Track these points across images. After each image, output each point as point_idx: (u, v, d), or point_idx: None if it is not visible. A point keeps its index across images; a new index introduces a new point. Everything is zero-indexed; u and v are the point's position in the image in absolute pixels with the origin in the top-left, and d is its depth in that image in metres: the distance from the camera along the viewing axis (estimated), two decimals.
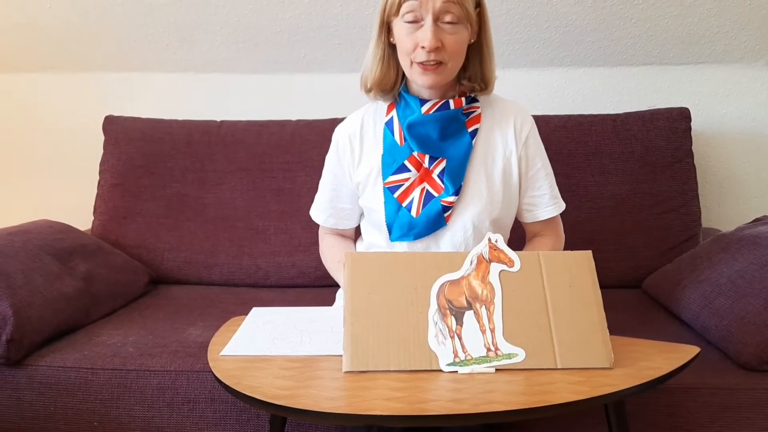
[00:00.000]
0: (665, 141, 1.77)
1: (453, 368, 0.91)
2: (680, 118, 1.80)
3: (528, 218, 1.28)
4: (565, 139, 1.78)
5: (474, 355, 0.92)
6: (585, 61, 2.01)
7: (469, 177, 1.19)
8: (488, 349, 0.93)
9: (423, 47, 1.09)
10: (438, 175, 1.18)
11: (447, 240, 1.20)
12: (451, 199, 1.17)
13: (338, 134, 1.31)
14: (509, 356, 0.92)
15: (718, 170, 2.01)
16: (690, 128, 1.80)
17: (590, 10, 1.86)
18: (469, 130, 1.19)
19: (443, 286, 0.96)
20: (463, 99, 1.19)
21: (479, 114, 1.21)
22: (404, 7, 1.10)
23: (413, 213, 1.18)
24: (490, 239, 0.99)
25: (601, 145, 1.78)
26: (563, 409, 0.82)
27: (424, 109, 1.17)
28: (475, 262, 0.98)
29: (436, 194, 1.18)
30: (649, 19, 1.87)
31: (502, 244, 0.99)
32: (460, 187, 1.18)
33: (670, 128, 1.78)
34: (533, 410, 0.81)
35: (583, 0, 1.83)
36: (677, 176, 1.77)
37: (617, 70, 2.02)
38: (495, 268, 0.98)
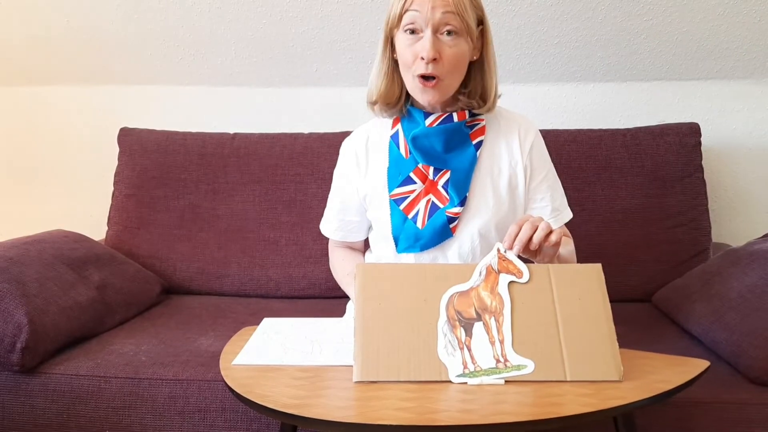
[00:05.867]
0: (675, 156, 1.78)
1: (462, 379, 0.92)
2: (690, 133, 1.80)
3: None
4: (575, 154, 1.79)
5: (483, 366, 0.93)
6: (595, 76, 2.03)
7: (474, 188, 1.20)
8: (497, 361, 0.93)
9: (422, 58, 1.10)
10: (443, 186, 1.19)
11: (454, 250, 1.21)
12: (457, 210, 1.17)
13: (345, 148, 1.32)
14: (518, 368, 0.93)
15: (728, 185, 2.01)
16: (700, 143, 1.80)
17: (600, 26, 1.87)
18: (474, 142, 1.20)
19: (452, 298, 0.97)
20: (467, 112, 1.20)
21: (483, 126, 1.22)
22: (405, 18, 1.12)
23: (419, 224, 1.19)
24: (499, 250, 1.00)
25: (610, 159, 1.79)
26: (572, 421, 0.82)
27: (428, 121, 1.19)
28: (484, 273, 0.99)
29: (441, 205, 1.19)
30: (658, 35, 1.88)
31: (512, 255, 1.00)
32: (465, 197, 1.18)
33: (680, 143, 1.79)
34: (542, 422, 0.82)
35: (592, 16, 1.85)
36: (687, 191, 1.77)
37: (627, 85, 2.03)
38: (504, 279, 0.99)
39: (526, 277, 0.99)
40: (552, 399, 0.87)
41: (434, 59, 1.10)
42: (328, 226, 1.37)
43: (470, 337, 0.95)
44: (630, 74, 2.01)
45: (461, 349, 0.94)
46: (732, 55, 1.92)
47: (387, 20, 1.17)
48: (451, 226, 1.18)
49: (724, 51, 1.91)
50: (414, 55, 1.12)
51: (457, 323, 0.96)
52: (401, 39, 1.14)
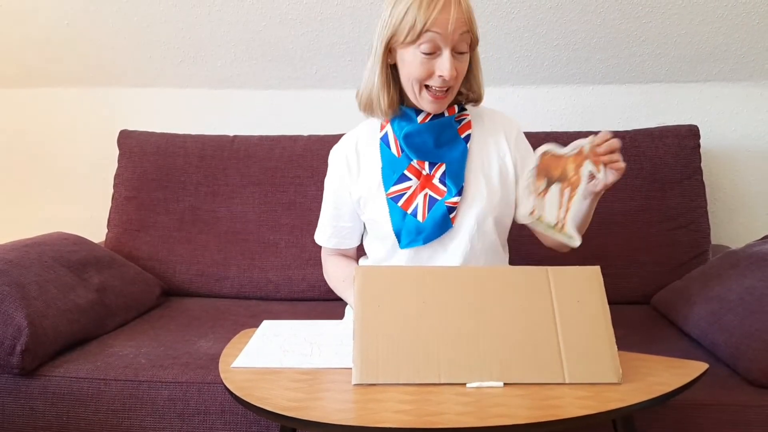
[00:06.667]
0: (674, 158, 1.78)
1: (528, 220, 1.01)
2: (689, 135, 1.80)
3: None
4: None
5: (546, 219, 1.06)
6: (594, 79, 2.03)
7: (468, 178, 1.22)
8: (558, 222, 1.03)
9: (440, 76, 1.12)
10: (440, 179, 1.21)
11: (453, 242, 1.22)
12: (455, 199, 1.19)
13: (334, 155, 1.34)
14: (570, 237, 1.07)
15: (728, 187, 2.01)
16: (699, 145, 1.80)
17: (599, 29, 1.87)
18: (462, 135, 1.24)
19: (546, 153, 1.05)
20: (456, 107, 1.24)
21: (469, 121, 1.26)
22: (424, 37, 1.10)
23: (419, 218, 1.20)
24: (595, 142, 1.07)
25: None
26: (571, 423, 0.83)
27: (420, 118, 1.21)
28: (577, 149, 1.06)
29: (439, 197, 1.20)
30: (657, 38, 1.89)
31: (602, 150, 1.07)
32: (462, 187, 1.21)
33: (679, 145, 1.79)
34: (541, 424, 0.82)
35: (591, 18, 1.85)
36: (686, 193, 1.77)
37: (626, 88, 2.03)
38: (587, 166, 1.06)
39: (600, 179, 1.07)
40: (551, 401, 0.87)
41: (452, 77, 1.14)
42: (322, 235, 1.38)
43: (546, 192, 1.05)
44: (629, 76, 2.01)
45: (536, 195, 1.06)
46: (731, 57, 1.92)
47: (393, 32, 1.14)
48: (450, 216, 1.20)
49: (723, 53, 1.91)
50: (429, 72, 1.13)
51: (542, 174, 1.07)
52: (413, 54, 1.13)
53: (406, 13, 1.11)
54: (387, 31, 1.14)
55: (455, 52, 1.12)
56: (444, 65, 1.11)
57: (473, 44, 1.16)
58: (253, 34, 1.97)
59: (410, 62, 1.14)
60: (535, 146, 1.74)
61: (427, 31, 1.09)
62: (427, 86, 1.15)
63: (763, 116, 1.99)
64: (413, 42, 1.12)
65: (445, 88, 1.15)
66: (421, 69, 1.13)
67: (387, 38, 1.15)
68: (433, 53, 1.12)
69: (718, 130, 2.00)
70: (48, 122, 2.23)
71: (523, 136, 1.31)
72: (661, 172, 1.77)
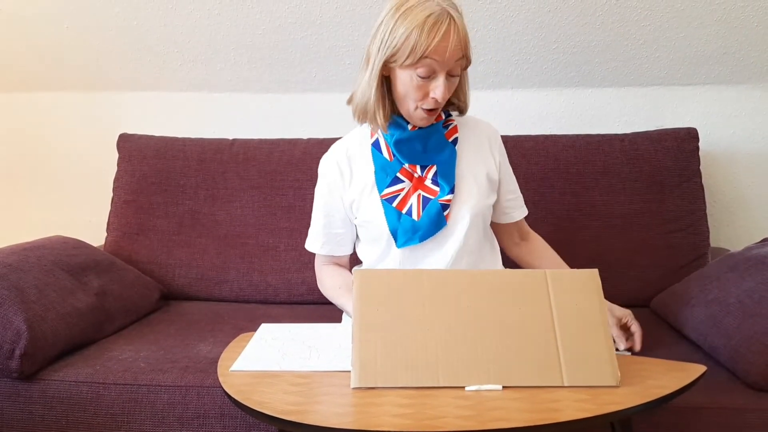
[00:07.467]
0: (673, 161, 1.78)
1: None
2: (688, 138, 1.80)
3: (505, 220, 1.39)
4: (573, 159, 1.79)
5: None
6: (593, 82, 2.03)
7: (458, 178, 1.26)
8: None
9: (433, 98, 1.15)
10: (432, 180, 1.25)
11: (448, 239, 1.25)
12: (449, 197, 1.23)
13: (325, 163, 1.34)
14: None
15: (727, 190, 2.01)
16: (698, 148, 1.80)
17: (598, 32, 1.88)
18: (450, 139, 1.28)
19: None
20: (443, 113, 1.28)
21: (455, 126, 1.30)
22: (423, 63, 1.12)
23: (414, 216, 1.23)
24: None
25: (609, 164, 1.79)
26: (569, 426, 0.83)
27: (410, 125, 1.24)
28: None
29: (432, 197, 1.24)
30: (656, 41, 1.89)
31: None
32: (454, 186, 1.24)
33: (678, 148, 1.79)
34: (540, 428, 0.82)
35: (591, 22, 1.85)
36: (685, 196, 1.77)
37: (625, 91, 2.04)
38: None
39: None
40: (549, 405, 0.87)
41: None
42: (314, 243, 1.39)
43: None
44: (628, 79, 2.01)
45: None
46: (729, 60, 1.92)
47: (393, 53, 1.14)
48: (444, 213, 1.23)
49: (721, 56, 1.91)
50: (423, 94, 1.16)
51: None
52: (409, 76, 1.15)
53: (407, 37, 1.11)
54: (387, 51, 1.15)
55: (449, 75, 1.16)
56: (438, 89, 1.15)
57: (466, 66, 1.19)
58: (253, 37, 1.97)
59: (406, 83, 1.16)
60: (532, 148, 1.78)
61: (426, 57, 1.11)
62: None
63: (761, 119, 2.00)
64: (411, 65, 1.13)
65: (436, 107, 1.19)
66: (417, 91, 1.16)
67: (386, 57, 1.16)
68: (428, 77, 1.14)
69: (716, 133, 2.00)
70: (48, 126, 2.23)
71: (501, 141, 1.37)
72: (659, 175, 1.77)
